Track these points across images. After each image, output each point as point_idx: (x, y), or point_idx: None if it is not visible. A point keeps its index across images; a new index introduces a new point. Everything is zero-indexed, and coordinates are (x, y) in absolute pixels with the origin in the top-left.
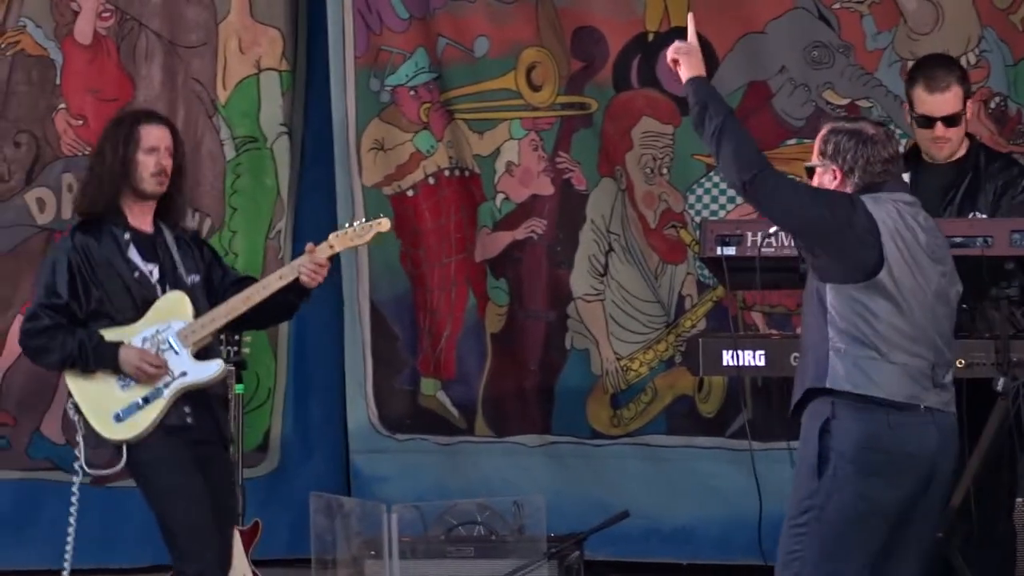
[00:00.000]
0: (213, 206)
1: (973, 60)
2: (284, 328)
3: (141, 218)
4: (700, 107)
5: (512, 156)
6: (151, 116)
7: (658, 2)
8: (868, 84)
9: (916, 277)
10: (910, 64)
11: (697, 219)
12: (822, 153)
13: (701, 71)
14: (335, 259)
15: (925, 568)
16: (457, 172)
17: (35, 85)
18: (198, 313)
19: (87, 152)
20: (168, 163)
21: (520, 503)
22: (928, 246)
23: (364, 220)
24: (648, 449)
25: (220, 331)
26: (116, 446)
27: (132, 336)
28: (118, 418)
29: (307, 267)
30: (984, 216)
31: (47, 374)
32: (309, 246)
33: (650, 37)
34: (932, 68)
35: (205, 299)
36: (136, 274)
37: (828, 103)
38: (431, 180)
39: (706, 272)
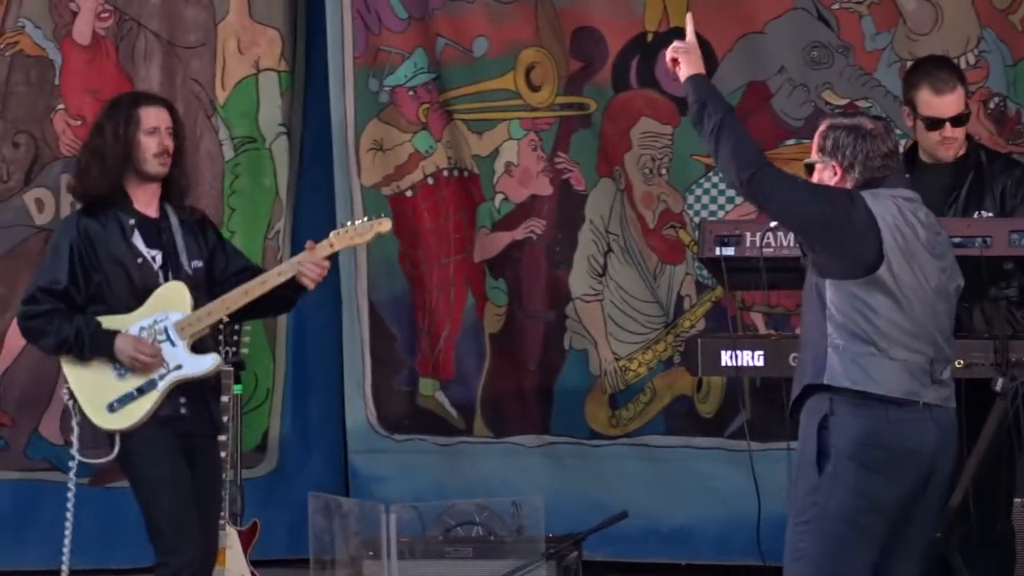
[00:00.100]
0: (212, 206)
1: (972, 60)
2: (282, 328)
3: (146, 203)
4: (699, 105)
5: (511, 156)
6: (149, 97)
7: (657, 2)
8: (867, 84)
9: (916, 273)
10: (909, 64)
11: (696, 219)
12: (821, 149)
13: (700, 69)
14: (334, 259)
15: (924, 568)
16: (456, 172)
17: (34, 85)
18: (197, 302)
19: None
20: (170, 143)
21: (518, 503)
22: (928, 242)
23: (366, 219)
24: (647, 449)
25: (217, 323)
26: (109, 435)
27: (129, 325)
28: (112, 408)
29: (306, 265)
30: (990, 215)
31: (46, 375)
32: (309, 244)
33: (649, 37)
34: (936, 70)
35: (205, 286)
36: (139, 260)
37: (827, 103)
38: (430, 180)
39: (705, 272)
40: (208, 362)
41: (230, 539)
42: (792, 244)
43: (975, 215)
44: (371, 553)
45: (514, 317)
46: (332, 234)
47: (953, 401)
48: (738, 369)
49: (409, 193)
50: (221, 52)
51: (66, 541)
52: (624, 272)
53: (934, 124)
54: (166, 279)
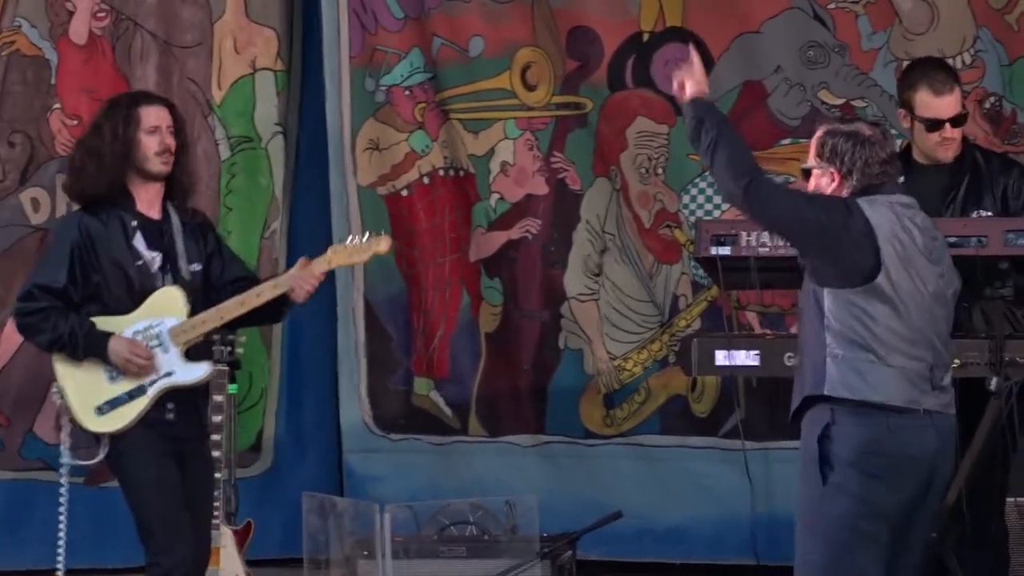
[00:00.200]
0: (208, 206)
1: (968, 60)
2: (277, 328)
3: (149, 203)
4: (696, 121)
5: (507, 156)
6: (150, 97)
7: (653, 2)
8: (863, 84)
9: (914, 280)
10: (905, 64)
11: (692, 219)
12: (819, 155)
13: (704, 92)
14: None
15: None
16: (452, 172)
17: (30, 85)
18: (193, 307)
19: None
20: (171, 142)
21: (513, 503)
22: (925, 248)
23: (365, 235)
24: (641, 449)
25: (211, 332)
26: (97, 437)
27: (124, 328)
28: (100, 410)
29: (300, 280)
30: (990, 214)
31: (41, 375)
32: (303, 260)
33: (645, 37)
34: (933, 71)
35: (202, 290)
36: (139, 263)
37: (823, 103)
38: (426, 180)
39: (701, 272)
40: (200, 370)
41: (224, 539)
42: (787, 244)
43: (974, 215)
44: (365, 553)
45: (509, 316)
46: (330, 250)
47: (953, 407)
48: (733, 369)
49: (405, 192)
50: (217, 52)
51: (60, 541)
52: (620, 272)
53: (934, 125)
54: (164, 282)
